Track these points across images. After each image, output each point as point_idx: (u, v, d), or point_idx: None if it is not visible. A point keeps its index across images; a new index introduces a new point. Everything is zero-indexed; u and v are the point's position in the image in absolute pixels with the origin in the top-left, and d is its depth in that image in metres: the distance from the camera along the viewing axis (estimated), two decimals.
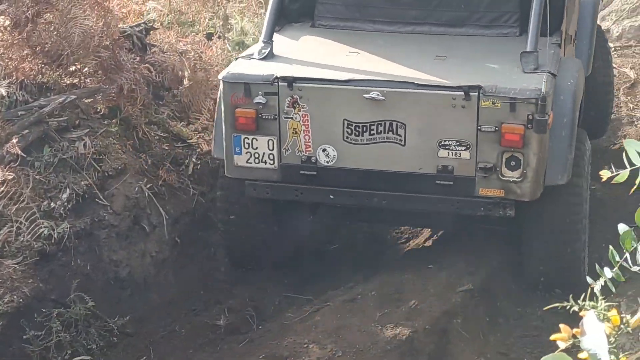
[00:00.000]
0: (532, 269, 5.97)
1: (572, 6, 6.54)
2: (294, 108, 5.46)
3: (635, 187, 2.21)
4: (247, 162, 5.62)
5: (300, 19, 6.32)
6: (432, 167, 5.42)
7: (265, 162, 5.59)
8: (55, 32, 6.45)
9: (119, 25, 6.99)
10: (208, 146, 6.90)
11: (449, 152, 5.37)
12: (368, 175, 5.54)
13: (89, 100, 6.58)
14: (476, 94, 5.22)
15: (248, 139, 5.56)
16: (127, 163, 6.30)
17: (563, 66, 5.78)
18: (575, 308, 2.21)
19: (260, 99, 5.45)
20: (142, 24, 7.50)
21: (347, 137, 5.46)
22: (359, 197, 5.64)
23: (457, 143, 5.34)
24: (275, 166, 5.60)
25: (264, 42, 5.79)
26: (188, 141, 6.94)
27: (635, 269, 2.30)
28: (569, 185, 5.60)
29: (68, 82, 6.65)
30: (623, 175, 2.14)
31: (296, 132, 5.51)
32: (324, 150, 5.53)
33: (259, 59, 5.69)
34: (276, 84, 5.44)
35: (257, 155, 5.59)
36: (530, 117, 5.18)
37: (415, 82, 5.36)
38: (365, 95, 5.36)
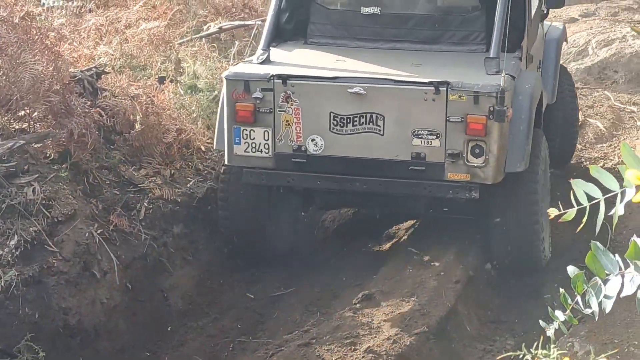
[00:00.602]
0: (499, 249, 6.71)
1: (535, 30, 7.44)
2: (287, 102, 6.21)
3: (581, 225, 2.23)
4: (245, 151, 6.32)
5: (293, 37, 7.06)
6: (407, 154, 6.17)
7: (261, 151, 6.30)
8: (4, 77, 6.39)
9: (69, 70, 6.94)
10: (160, 190, 6.86)
11: (421, 141, 6.13)
12: (351, 162, 6.28)
13: (39, 145, 6.50)
14: (445, 88, 6.04)
15: (246, 130, 6.28)
16: (77, 208, 6.22)
17: (523, 74, 6.64)
18: (529, 357, 2.21)
19: (257, 94, 6.20)
20: (93, 68, 7.45)
21: (333, 128, 6.21)
22: (343, 182, 6.37)
23: (429, 132, 6.10)
24: (270, 155, 6.30)
25: (262, 49, 6.60)
26: (140, 186, 6.88)
27: (587, 311, 2.30)
28: (527, 172, 6.37)
29: (17, 126, 6.57)
30: (570, 214, 2.15)
31: (288, 124, 6.24)
32: (313, 140, 6.24)
33: (258, 63, 6.48)
34: (272, 81, 6.23)
35: (254, 145, 6.30)
36: (491, 108, 5.98)
37: (393, 79, 6.19)
38: (349, 90, 6.14)
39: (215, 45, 9.80)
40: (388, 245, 7.37)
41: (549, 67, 7.92)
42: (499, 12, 6.42)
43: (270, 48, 6.67)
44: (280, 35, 6.94)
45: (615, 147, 9.26)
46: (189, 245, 7.03)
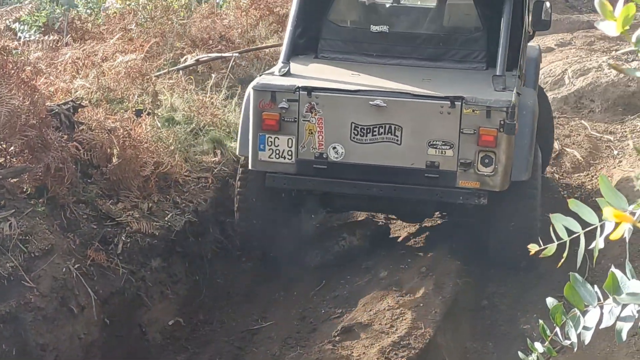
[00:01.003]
0: (498, 248, 7.12)
1: (525, 51, 7.89)
2: (311, 112, 6.67)
3: (562, 260, 2.22)
4: (269, 157, 6.76)
5: (304, 52, 7.57)
6: (422, 162, 6.65)
7: (285, 158, 6.75)
8: None
9: (46, 104, 6.90)
10: (138, 224, 6.81)
11: (436, 151, 6.62)
12: (369, 169, 6.74)
13: (15, 180, 6.46)
14: (460, 103, 6.52)
15: (271, 137, 6.73)
16: (55, 243, 6.17)
17: (524, 91, 7.25)
18: None
19: (284, 104, 6.65)
20: (70, 102, 7.42)
21: (354, 137, 6.68)
22: (361, 187, 6.83)
23: (443, 143, 6.60)
24: (293, 161, 6.76)
25: (283, 62, 7.11)
26: (117, 219, 6.84)
27: (566, 343, 2.29)
28: (529, 181, 6.89)
29: None
30: (551, 249, 2.15)
31: (311, 133, 6.70)
32: (334, 147, 6.71)
33: (280, 75, 6.94)
34: (297, 92, 6.67)
35: (278, 152, 6.75)
36: (502, 122, 6.47)
37: (412, 93, 6.71)
38: (370, 103, 6.63)
39: (192, 77, 9.81)
40: (366, 277, 7.34)
41: (529, 84, 8.36)
42: (503, 33, 7.05)
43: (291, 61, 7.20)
44: (293, 49, 7.40)
45: (592, 177, 9.30)
46: (167, 279, 6.98)
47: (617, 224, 1.78)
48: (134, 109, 8.36)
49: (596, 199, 1.96)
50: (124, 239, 6.72)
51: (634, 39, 1.65)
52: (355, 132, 6.65)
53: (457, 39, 7.50)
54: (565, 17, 17.62)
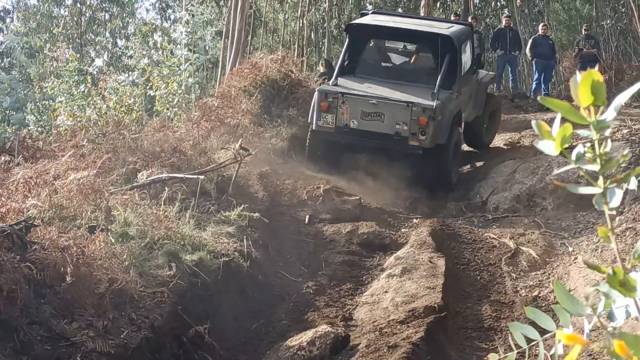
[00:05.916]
0: (425, 178, 13.33)
1: (466, 79, 14.60)
2: (343, 104, 13.23)
3: None
4: (322, 124, 13.30)
5: (349, 72, 14.41)
6: (393, 131, 13.04)
7: (329, 124, 13.29)
8: None
9: None
10: (93, 343, 6.68)
11: (399, 126, 13.01)
12: (369, 133, 13.12)
13: None
14: (411, 105, 12.98)
15: (324, 115, 13.23)
16: None
17: (451, 101, 13.62)
18: None
19: (331, 99, 13.27)
20: (22, 222, 7.34)
21: (362, 117, 13.16)
22: (364, 140, 13.15)
23: (403, 122, 12.99)
24: (333, 127, 13.28)
25: (335, 79, 13.70)
26: (72, 339, 6.69)
27: None
28: (445, 143, 13.24)
29: None
30: (510, 357, 2.14)
31: (343, 114, 13.20)
32: (353, 122, 13.16)
33: (332, 85, 13.58)
34: (338, 94, 13.29)
35: (326, 122, 13.27)
36: (430, 115, 12.90)
37: (390, 98, 13.16)
38: (370, 102, 13.19)
39: (146, 192, 9.77)
40: None
41: (478, 96, 15.42)
42: (442, 72, 13.46)
43: (339, 78, 13.69)
44: (343, 71, 14.17)
45: (549, 274, 9.34)
46: None
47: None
48: (87, 226, 8.28)
49: (552, 307, 1.95)
50: (79, 359, 6.56)
51: (573, 157, 1.68)
52: (363, 115, 13.14)
53: (423, 73, 14.21)
54: (512, 117, 18.00)
